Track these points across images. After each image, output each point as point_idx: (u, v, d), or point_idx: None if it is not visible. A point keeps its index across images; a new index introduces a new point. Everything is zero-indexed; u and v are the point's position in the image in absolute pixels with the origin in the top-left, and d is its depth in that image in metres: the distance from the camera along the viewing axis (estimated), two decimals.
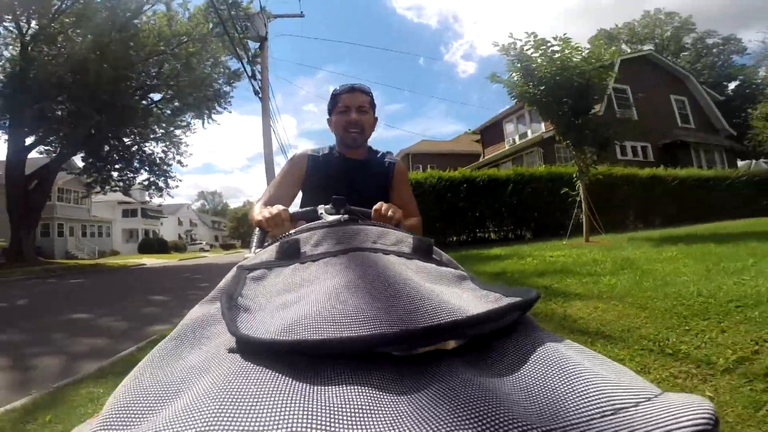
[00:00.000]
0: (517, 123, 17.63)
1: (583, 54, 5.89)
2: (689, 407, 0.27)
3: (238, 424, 0.27)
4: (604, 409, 0.28)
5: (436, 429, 0.26)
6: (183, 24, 15.88)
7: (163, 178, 17.69)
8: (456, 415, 0.27)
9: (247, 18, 14.65)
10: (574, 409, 0.28)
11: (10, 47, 14.51)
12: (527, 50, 6.00)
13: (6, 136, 15.01)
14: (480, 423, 0.26)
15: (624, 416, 0.27)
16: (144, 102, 16.52)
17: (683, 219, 9.71)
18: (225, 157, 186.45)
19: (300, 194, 1.45)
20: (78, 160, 18.13)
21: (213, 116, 17.63)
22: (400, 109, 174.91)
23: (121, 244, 32.04)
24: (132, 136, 16.94)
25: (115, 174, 17.25)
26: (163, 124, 17.60)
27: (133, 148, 17.20)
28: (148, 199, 19.96)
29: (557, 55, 5.83)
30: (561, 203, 7.77)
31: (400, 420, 0.28)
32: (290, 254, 0.66)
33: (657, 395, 0.29)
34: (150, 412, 0.33)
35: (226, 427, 0.26)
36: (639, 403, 0.28)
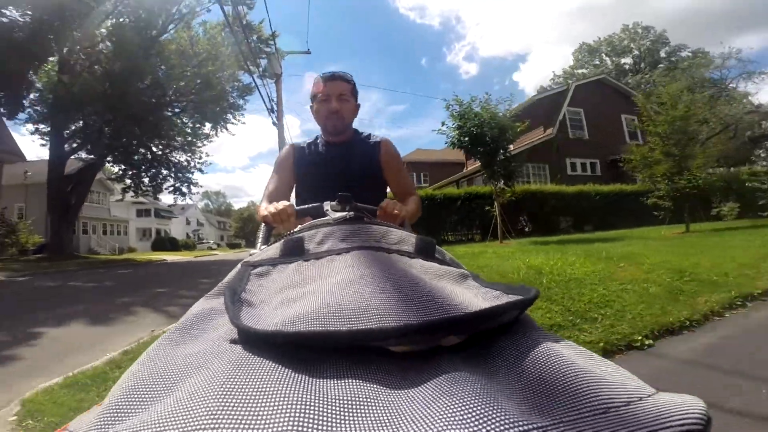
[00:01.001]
0: None
1: (495, 112, 8.54)
2: (681, 407, 0.28)
3: (238, 413, 0.27)
4: (596, 407, 0.29)
5: (433, 424, 0.27)
6: (203, 43, 18.16)
7: (186, 184, 20.46)
8: (452, 410, 0.27)
9: (261, 41, 17.21)
10: (567, 406, 0.29)
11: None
12: (460, 110, 8.68)
13: (45, 142, 17.37)
14: (475, 419, 0.27)
15: (615, 414, 0.28)
16: (168, 113, 18.91)
17: (609, 226, 12.16)
18: (226, 156, 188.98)
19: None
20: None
21: (228, 126, 20.12)
22: (403, 109, 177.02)
23: (135, 242, 34.76)
24: (160, 146, 19.56)
25: (146, 180, 19.94)
26: (187, 135, 20.20)
27: (161, 157, 19.85)
28: (173, 202, 22.53)
29: (478, 114, 8.51)
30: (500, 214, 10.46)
31: (398, 414, 0.29)
32: (294, 251, 0.66)
33: (650, 394, 0.30)
34: (152, 400, 0.33)
35: (227, 416, 0.27)
36: (631, 402, 0.29)
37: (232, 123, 20.22)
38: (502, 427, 0.26)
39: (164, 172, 19.97)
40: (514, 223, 11.10)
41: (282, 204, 1.05)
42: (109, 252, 26.89)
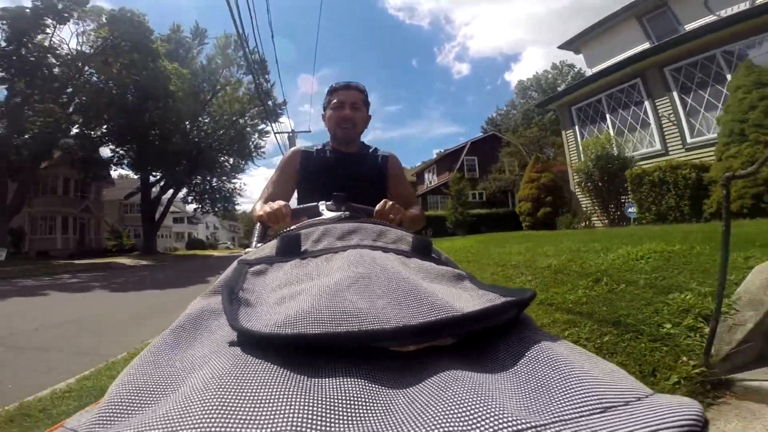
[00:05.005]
0: (429, 174, 31.30)
1: None
2: (678, 408, 0.28)
3: (236, 415, 0.27)
4: (595, 406, 0.29)
5: (429, 422, 0.27)
6: (238, 106, 28.45)
7: (230, 205, 32.11)
8: (449, 409, 0.28)
9: (276, 105, 27.57)
10: (565, 405, 0.30)
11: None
12: None
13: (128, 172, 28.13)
14: (472, 417, 0.27)
15: (613, 414, 0.28)
16: (219, 156, 29.62)
17: (477, 231, 22.89)
18: None
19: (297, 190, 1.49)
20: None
21: (254, 160, 31.04)
22: (398, 110, 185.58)
23: (174, 243, 45.81)
24: (215, 180, 31.07)
25: (208, 202, 31.26)
26: (228, 170, 31.41)
27: (216, 187, 31.33)
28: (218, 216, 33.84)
29: None
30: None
31: (395, 413, 0.29)
32: (291, 250, 0.67)
33: (647, 395, 0.31)
34: (150, 402, 0.34)
35: (225, 418, 0.27)
36: (629, 403, 0.30)
37: (258, 157, 31.37)
38: (498, 425, 0.27)
39: (217, 196, 31.43)
40: (424, 233, 22.07)
41: (277, 204, 1.07)
42: (162, 250, 37.68)
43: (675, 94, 7.45)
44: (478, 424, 0.27)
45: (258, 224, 1.14)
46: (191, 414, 0.28)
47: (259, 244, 0.97)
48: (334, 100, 1.43)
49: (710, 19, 7.93)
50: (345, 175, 1.40)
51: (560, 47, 13.69)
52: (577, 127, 10.03)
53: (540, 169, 11.12)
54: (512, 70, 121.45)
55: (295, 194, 1.51)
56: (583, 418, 0.28)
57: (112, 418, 0.33)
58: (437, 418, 0.27)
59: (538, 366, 0.36)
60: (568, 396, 0.31)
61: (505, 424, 0.27)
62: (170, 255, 27.65)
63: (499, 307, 0.43)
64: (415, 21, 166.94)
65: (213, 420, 0.27)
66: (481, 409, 0.28)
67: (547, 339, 0.41)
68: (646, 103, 8.03)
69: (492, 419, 0.27)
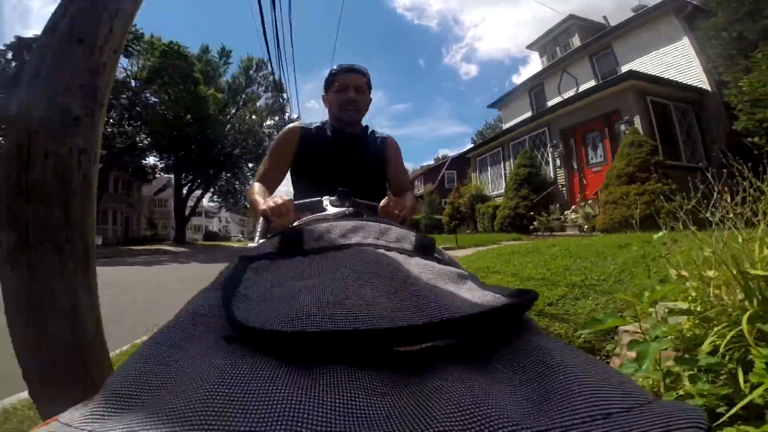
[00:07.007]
0: (417, 182, 37.53)
1: None
2: (680, 415, 0.29)
3: (232, 413, 0.28)
4: (597, 412, 0.29)
5: (429, 425, 0.27)
6: (257, 119, 34.96)
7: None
8: (449, 411, 0.28)
9: (290, 119, 33.70)
10: (567, 410, 0.30)
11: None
12: None
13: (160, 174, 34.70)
14: (471, 419, 0.27)
15: (615, 420, 0.28)
16: (242, 162, 36.39)
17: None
18: None
19: (292, 169, 1.52)
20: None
21: None
22: (405, 109, 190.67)
23: (193, 235, 52.55)
24: (238, 183, 37.81)
25: (231, 200, 38.07)
26: (249, 176, 37.88)
27: (239, 189, 37.98)
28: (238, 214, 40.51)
29: None
30: None
31: (395, 415, 0.30)
32: (293, 247, 0.68)
33: (650, 402, 0.31)
34: (147, 397, 0.34)
35: (220, 417, 0.27)
36: (631, 409, 0.30)
37: None
38: (498, 429, 0.27)
39: (239, 196, 38.19)
40: None
41: (281, 198, 1.10)
42: (188, 240, 44.23)
43: (512, 160, 13.66)
44: (478, 427, 0.27)
45: (261, 219, 1.16)
46: (190, 410, 0.28)
47: (261, 240, 0.99)
48: (337, 83, 1.47)
49: (557, 99, 13.95)
50: (347, 155, 1.46)
51: (488, 106, 19.90)
52: (478, 171, 16.35)
53: (457, 196, 17.47)
54: (520, 74, 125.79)
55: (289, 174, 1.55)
56: (585, 424, 0.28)
57: (107, 413, 0.33)
58: (436, 420, 0.28)
59: (540, 369, 0.36)
60: (569, 401, 0.31)
61: (504, 428, 0.27)
62: (198, 244, 34.41)
63: (501, 308, 0.45)
64: (424, 21, 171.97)
65: (206, 417, 0.27)
66: (480, 411, 0.28)
67: (549, 342, 0.41)
68: (503, 164, 14.28)
69: (492, 422, 0.27)
